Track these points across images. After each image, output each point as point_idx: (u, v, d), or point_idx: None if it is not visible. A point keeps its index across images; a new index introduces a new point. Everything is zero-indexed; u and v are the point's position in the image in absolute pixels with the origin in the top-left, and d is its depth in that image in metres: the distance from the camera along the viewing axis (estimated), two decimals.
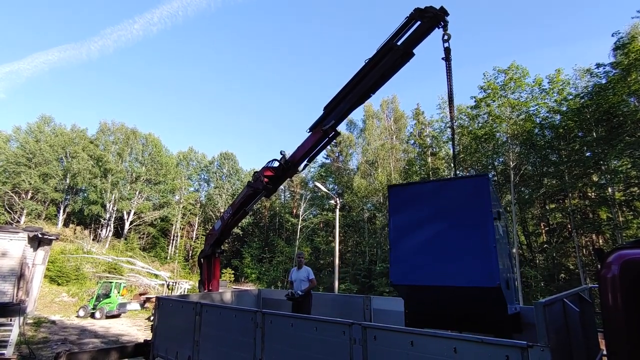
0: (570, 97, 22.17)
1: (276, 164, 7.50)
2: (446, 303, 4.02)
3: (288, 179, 8.31)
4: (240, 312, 5.24)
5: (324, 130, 6.67)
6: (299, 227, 41.32)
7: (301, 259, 7.56)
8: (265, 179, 7.44)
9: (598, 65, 20.34)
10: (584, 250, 25.35)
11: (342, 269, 32.28)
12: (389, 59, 5.83)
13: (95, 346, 10.98)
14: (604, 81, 20.10)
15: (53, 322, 16.47)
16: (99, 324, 16.72)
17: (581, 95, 21.48)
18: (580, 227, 23.28)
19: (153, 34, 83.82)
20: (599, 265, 2.83)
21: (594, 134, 20.79)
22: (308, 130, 7.04)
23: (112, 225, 42.27)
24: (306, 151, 7.05)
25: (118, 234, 43.63)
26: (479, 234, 3.66)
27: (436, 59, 5.64)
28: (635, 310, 2.45)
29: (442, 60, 5.44)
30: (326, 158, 46.52)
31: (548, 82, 22.58)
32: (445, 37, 5.39)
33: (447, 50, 5.36)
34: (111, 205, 41.95)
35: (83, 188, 43.82)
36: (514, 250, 23.45)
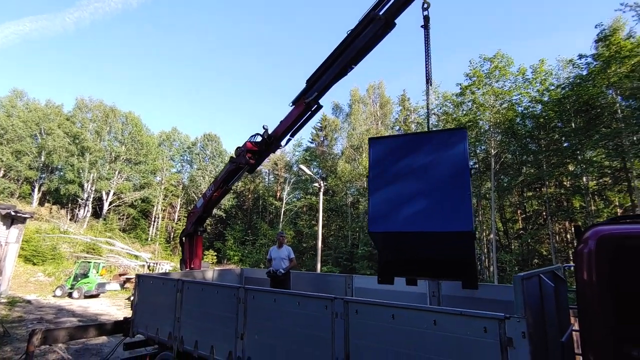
0: (552, 87, 22.60)
1: (259, 138, 7.40)
2: (421, 250, 4.21)
3: (271, 155, 8.22)
4: (223, 288, 5.22)
5: (306, 103, 6.63)
6: (283, 210, 41.34)
7: (282, 237, 7.57)
8: (248, 154, 7.33)
9: (580, 56, 20.75)
10: (557, 237, 26.39)
11: (325, 251, 32.64)
12: (370, 30, 5.85)
13: (73, 324, 10.82)
14: (585, 72, 20.54)
15: (28, 301, 16.10)
16: (77, 304, 16.44)
17: (563, 86, 21.92)
18: (555, 215, 24.15)
19: (133, 8, 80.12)
20: (576, 242, 2.91)
21: (573, 124, 21.36)
22: (290, 104, 6.96)
23: (90, 205, 41.19)
24: (289, 125, 6.99)
25: (97, 214, 42.59)
26: (456, 183, 3.81)
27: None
28: (609, 284, 2.54)
29: (420, 27, 5.47)
30: (311, 142, 46.35)
31: (532, 72, 22.92)
32: (425, 6, 5.44)
33: (426, 19, 5.42)
34: (89, 185, 40.79)
35: (59, 167, 42.34)
36: (492, 236, 24.21)
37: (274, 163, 48.66)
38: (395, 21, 5.82)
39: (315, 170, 42.48)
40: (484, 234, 26.16)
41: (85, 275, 18.73)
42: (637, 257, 2.48)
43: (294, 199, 43.92)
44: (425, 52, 5.42)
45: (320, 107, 6.95)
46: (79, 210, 41.39)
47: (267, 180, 51.93)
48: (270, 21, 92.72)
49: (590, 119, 20.49)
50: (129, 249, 30.77)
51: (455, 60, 69.12)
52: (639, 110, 17.93)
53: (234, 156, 7.53)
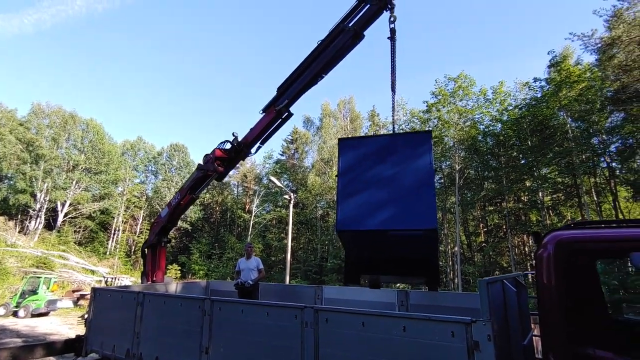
0: (511, 107, 24.09)
1: (228, 145, 7.28)
2: (386, 248, 4.33)
3: (241, 167, 8.08)
4: (187, 300, 5.00)
5: (277, 110, 6.67)
6: (251, 223, 40.61)
7: (250, 248, 7.41)
8: (217, 161, 7.18)
9: (535, 80, 22.32)
10: (517, 249, 27.66)
11: (294, 265, 32.26)
12: (340, 40, 6.06)
13: (16, 344, 9.86)
14: (539, 95, 22.06)
15: None
16: (23, 323, 15.11)
17: (520, 106, 23.41)
18: (514, 228, 25.37)
19: (98, 12, 77.22)
20: (536, 247, 3.05)
21: (529, 142, 22.75)
22: (261, 112, 6.93)
23: (42, 217, 38.44)
24: (259, 132, 6.96)
25: (50, 226, 39.75)
26: (421, 183, 3.98)
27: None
28: (567, 286, 2.67)
29: (387, 39, 5.78)
30: (282, 154, 46.22)
31: (492, 93, 24.34)
32: (392, 19, 5.74)
33: (393, 31, 5.72)
34: (43, 195, 38.15)
35: (9, 175, 39.36)
36: (456, 249, 24.98)
37: (244, 175, 47.95)
38: (364, 33, 6.06)
39: (285, 183, 42.24)
40: (449, 247, 26.94)
41: (33, 292, 17.31)
42: (591, 259, 2.63)
43: (263, 212, 43.30)
44: (391, 62, 5.71)
45: (290, 114, 6.98)
46: (29, 222, 38.46)
47: (235, 192, 50.98)
48: (240, 31, 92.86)
49: (544, 138, 21.94)
50: (84, 264, 28.89)
51: (423, 80, 72.19)
52: (587, 132, 19.41)
53: (202, 163, 7.34)
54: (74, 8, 72.83)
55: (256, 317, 4.14)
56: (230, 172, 43.83)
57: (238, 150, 7.16)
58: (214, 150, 7.21)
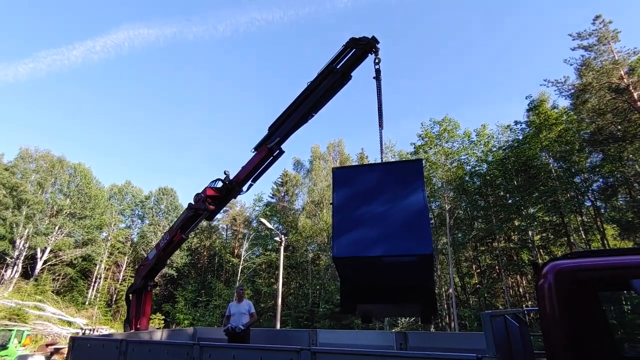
0: (494, 149, 24.93)
1: (220, 184, 7.28)
2: (383, 274, 4.31)
3: (230, 210, 8.02)
4: (174, 347, 4.69)
5: (269, 148, 6.81)
6: (240, 267, 39.39)
7: (241, 291, 7.13)
8: (208, 199, 7.11)
9: (516, 122, 23.38)
10: (511, 290, 27.23)
11: (284, 311, 30.94)
12: (328, 81, 6.41)
13: None
14: (520, 136, 22.99)
15: None
16: None
17: (503, 147, 24.25)
18: (507, 268, 25.16)
19: (94, 62, 79.68)
20: (536, 278, 3.02)
21: (515, 182, 23.30)
22: (253, 150, 7.04)
23: (20, 264, 36.67)
24: (251, 170, 7.02)
25: (27, 275, 37.80)
26: (415, 209, 4.05)
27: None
28: (571, 317, 2.61)
29: (373, 79, 6.15)
30: (272, 197, 46.08)
31: (476, 135, 25.26)
32: (377, 61, 6.14)
33: (378, 72, 6.10)
34: (22, 242, 36.69)
35: None
36: (451, 291, 24.46)
37: (233, 218, 47.29)
38: (352, 74, 6.41)
39: (275, 226, 41.68)
40: (443, 289, 26.40)
41: (3, 347, 16.04)
42: (593, 288, 2.60)
43: (253, 256, 42.23)
44: (378, 100, 6.03)
45: (282, 152, 7.10)
46: (5, 271, 36.57)
47: (224, 236, 49.93)
48: (230, 78, 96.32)
49: (529, 177, 22.54)
50: (61, 315, 27.19)
51: (409, 124, 74.91)
52: (569, 171, 20.04)
53: (193, 202, 7.25)
54: (70, 58, 75.28)
55: None
56: (219, 216, 43.03)
57: (229, 189, 7.15)
58: (205, 189, 7.18)
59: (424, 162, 4.58)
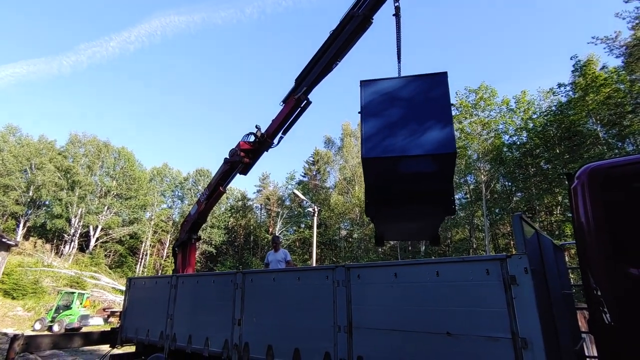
0: (535, 115, 23.60)
1: (252, 138, 7.55)
2: (406, 175, 4.61)
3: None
4: (219, 276, 5.11)
5: (296, 99, 6.98)
6: None
7: (278, 240, 7.48)
8: (242, 153, 7.43)
9: (560, 85, 21.93)
10: None
11: None
12: (350, 26, 6.44)
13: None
14: (564, 100, 21.60)
15: (4, 334, 15.15)
16: None
17: (545, 114, 22.92)
18: None
19: (130, 52, 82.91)
20: (569, 184, 3.02)
21: (557, 150, 22.08)
22: (281, 103, 7.24)
23: (76, 240, 40.03)
24: (280, 122, 7.25)
25: (83, 250, 41.26)
26: (440, 114, 4.31)
27: None
28: (604, 211, 2.62)
29: (392, 16, 6.24)
30: (304, 176, 46.70)
31: (515, 102, 24.01)
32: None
33: (397, 9, 6.20)
34: (77, 220, 39.89)
35: (47, 202, 41.56)
36: None
37: (267, 198, 48.55)
38: (373, 19, 6.45)
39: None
40: None
41: (67, 307, 17.85)
42: (624, 183, 2.59)
43: (287, 233, 43.38)
44: (397, 34, 6.19)
45: (309, 102, 7.25)
46: (64, 247, 40.09)
47: (259, 215, 51.49)
48: (262, 53, 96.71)
49: (573, 145, 21.26)
50: (114, 284, 29.59)
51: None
52: (620, 135, 18.73)
53: (228, 157, 7.61)
54: (108, 49, 78.71)
55: (287, 283, 4.19)
56: (253, 195, 43.97)
57: (261, 142, 7.43)
58: (238, 143, 7.50)
59: (447, 72, 4.64)
